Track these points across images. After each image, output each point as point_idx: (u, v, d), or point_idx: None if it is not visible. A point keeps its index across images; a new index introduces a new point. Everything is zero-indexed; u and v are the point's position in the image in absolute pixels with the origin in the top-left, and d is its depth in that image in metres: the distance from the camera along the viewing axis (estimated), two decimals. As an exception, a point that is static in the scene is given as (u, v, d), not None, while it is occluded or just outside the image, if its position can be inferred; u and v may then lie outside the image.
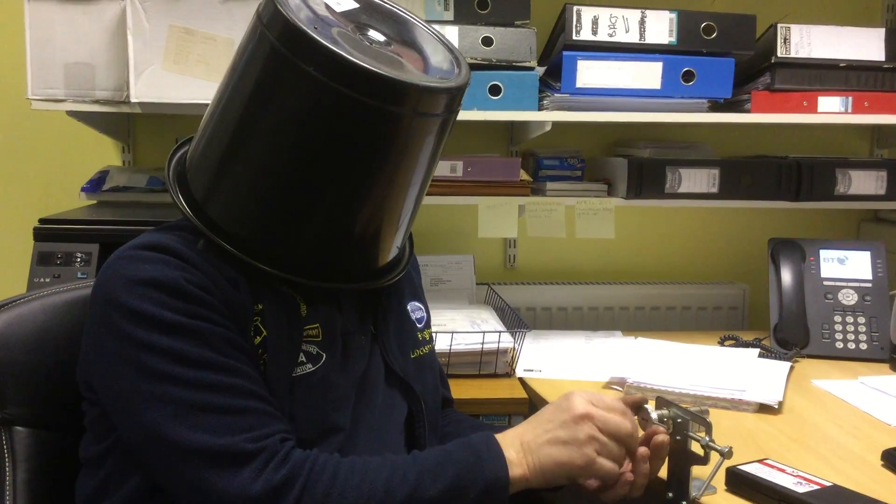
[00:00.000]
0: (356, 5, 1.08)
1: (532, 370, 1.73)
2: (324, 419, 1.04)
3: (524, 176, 1.96)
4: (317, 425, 1.03)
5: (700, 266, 2.31)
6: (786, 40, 1.88)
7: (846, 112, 1.91)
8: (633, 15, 1.84)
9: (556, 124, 1.87)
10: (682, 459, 1.07)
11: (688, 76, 1.84)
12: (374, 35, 1.06)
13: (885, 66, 1.91)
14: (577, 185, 2.01)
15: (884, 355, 1.79)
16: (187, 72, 1.67)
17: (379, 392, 1.12)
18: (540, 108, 1.85)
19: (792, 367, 1.69)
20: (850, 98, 1.91)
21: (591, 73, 1.82)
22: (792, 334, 1.82)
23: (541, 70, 1.90)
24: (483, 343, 1.69)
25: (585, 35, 1.82)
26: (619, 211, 1.95)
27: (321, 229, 1.04)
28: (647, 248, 2.30)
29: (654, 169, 1.92)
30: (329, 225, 1.04)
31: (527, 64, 1.82)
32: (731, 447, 1.03)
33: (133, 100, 1.69)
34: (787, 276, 1.87)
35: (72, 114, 1.80)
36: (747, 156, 2.19)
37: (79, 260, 1.65)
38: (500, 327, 1.78)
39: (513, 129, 2.18)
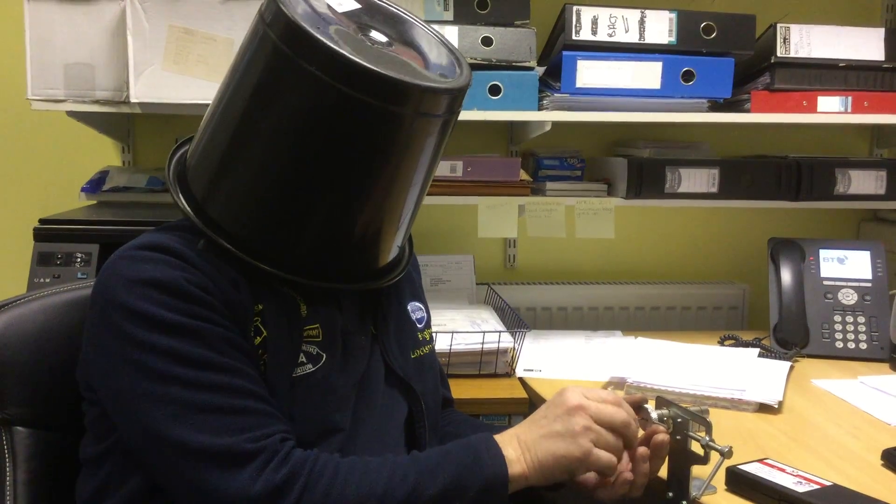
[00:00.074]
0: (358, 6, 1.08)
1: (532, 370, 1.73)
2: (324, 419, 1.04)
3: (524, 176, 1.96)
4: (317, 425, 1.03)
5: (700, 266, 2.31)
6: (785, 40, 1.88)
7: (846, 112, 1.91)
8: (633, 15, 1.84)
9: (555, 124, 1.87)
10: (682, 459, 1.07)
11: (687, 76, 1.84)
12: (376, 35, 1.06)
13: (885, 65, 1.91)
14: (576, 185, 2.01)
15: (884, 355, 1.79)
16: (187, 72, 1.67)
17: (379, 392, 1.12)
18: (540, 108, 1.84)
19: (792, 367, 1.69)
20: (850, 98, 1.91)
21: (590, 73, 1.82)
22: (792, 334, 1.82)
23: (540, 70, 1.90)
24: (483, 343, 1.69)
25: (585, 35, 1.82)
26: (619, 211, 1.95)
27: (322, 229, 1.04)
28: (647, 248, 2.30)
29: (654, 169, 1.92)
30: (329, 225, 1.04)
31: (526, 64, 1.82)
32: (731, 447, 1.03)
33: (133, 100, 1.69)
34: (786, 275, 1.87)
35: (72, 114, 1.80)
36: (747, 156, 2.19)
37: (79, 260, 1.65)
38: (500, 327, 1.78)
39: (513, 129, 2.18)
